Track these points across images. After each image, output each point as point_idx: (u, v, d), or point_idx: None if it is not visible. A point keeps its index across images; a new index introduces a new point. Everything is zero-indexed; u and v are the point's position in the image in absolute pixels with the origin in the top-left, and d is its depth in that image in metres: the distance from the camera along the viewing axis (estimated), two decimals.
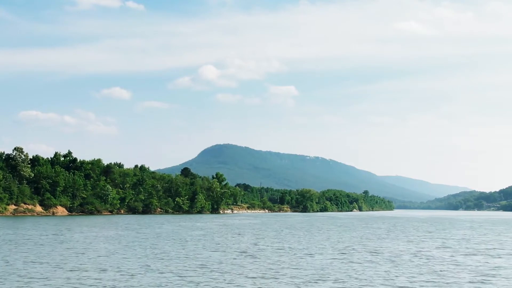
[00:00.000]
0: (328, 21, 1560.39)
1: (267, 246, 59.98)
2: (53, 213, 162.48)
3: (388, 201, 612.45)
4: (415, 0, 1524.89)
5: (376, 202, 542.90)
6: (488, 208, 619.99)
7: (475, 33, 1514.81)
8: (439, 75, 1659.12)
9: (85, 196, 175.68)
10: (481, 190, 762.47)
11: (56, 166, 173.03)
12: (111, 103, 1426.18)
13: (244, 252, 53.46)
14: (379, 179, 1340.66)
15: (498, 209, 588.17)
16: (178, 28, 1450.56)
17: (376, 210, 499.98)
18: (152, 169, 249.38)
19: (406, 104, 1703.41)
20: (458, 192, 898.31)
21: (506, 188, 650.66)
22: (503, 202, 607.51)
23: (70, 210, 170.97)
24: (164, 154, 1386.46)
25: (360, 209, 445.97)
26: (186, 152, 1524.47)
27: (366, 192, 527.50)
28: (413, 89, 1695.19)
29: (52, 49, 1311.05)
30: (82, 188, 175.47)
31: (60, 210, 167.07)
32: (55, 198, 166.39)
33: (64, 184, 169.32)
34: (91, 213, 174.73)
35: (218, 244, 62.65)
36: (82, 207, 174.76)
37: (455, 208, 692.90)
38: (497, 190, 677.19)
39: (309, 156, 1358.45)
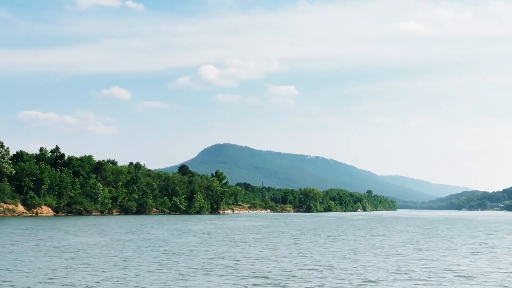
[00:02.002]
0: (328, 21, 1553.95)
1: (293, 265, 42.84)
2: (37, 214, 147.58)
3: (391, 201, 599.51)
4: (415, 0, 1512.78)
5: (380, 202, 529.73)
6: (492, 208, 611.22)
7: (475, 33, 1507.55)
8: (439, 75, 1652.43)
9: (73, 195, 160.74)
10: (482, 190, 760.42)
11: (41, 162, 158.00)
12: (111, 103, 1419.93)
13: (260, 276, 36.60)
14: (379, 178, 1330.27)
15: (502, 209, 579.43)
16: (177, 28, 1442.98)
17: (380, 210, 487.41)
18: (152, 169, 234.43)
19: (406, 104, 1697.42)
20: (460, 192, 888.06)
21: (510, 187, 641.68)
22: (507, 202, 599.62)
23: (56, 210, 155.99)
24: (164, 154, 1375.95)
25: (364, 209, 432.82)
26: (186, 151, 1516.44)
27: (369, 192, 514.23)
28: (413, 89, 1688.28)
29: (52, 49, 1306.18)
30: (70, 187, 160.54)
31: (45, 210, 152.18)
32: (39, 197, 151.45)
33: (49, 182, 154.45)
34: (79, 213, 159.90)
35: (222, 258, 46.32)
36: (69, 207, 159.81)
37: (458, 208, 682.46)
38: (500, 189, 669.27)
39: (309, 156, 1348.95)
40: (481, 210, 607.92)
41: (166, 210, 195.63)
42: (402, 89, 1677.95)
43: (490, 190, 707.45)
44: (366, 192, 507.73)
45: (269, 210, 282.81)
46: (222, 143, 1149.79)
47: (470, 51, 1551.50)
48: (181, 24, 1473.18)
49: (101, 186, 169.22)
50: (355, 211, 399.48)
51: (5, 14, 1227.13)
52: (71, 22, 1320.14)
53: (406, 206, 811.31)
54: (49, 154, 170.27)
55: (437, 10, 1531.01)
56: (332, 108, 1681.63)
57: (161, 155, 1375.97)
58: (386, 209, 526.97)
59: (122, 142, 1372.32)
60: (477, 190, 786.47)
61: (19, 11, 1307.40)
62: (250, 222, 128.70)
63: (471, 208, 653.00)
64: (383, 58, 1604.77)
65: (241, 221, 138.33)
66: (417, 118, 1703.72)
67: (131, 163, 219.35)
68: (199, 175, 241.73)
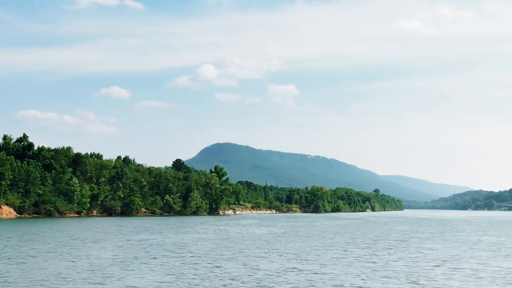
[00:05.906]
0: (327, 21, 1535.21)
1: None
2: None
3: (398, 201, 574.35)
4: None
5: (387, 202, 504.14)
6: (499, 208, 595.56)
7: (475, 33, 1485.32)
8: (439, 74, 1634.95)
9: (42, 192, 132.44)
10: (482, 190, 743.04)
11: (1, 153, 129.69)
12: (111, 103, 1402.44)
13: None
14: (380, 178, 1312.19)
15: (510, 209, 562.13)
16: (177, 28, 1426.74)
17: (388, 210, 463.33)
18: None
19: (406, 104, 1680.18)
20: (463, 192, 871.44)
21: None
22: None
23: (20, 211, 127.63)
24: (163, 153, 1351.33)
25: (373, 209, 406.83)
26: (186, 151, 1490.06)
27: (376, 191, 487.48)
28: (413, 89, 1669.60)
29: (51, 49, 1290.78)
30: (39, 182, 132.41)
31: (6, 210, 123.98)
32: None
33: (12, 177, 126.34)
34: (49, 215, 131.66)
35: None
36: (37, 207, 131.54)
37: (463, 208, 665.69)
38: (507, 189, 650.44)
39: (310, 155, 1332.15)
40: (488, 210, 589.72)
41: (157, 211, 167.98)
42: (402, 89, 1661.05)
43: (490, 190, 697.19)
44: (373, 192, 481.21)
45: (274, 211, 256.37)
46: (222, 142, 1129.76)
47: (470, 51, 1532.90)
48: (180, 23, 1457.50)
49: (77, 182, 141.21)
50: (364, 211, 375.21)
51: (4, 14, 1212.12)
52: (69, 21, 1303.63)
53: (409, 206, 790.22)
54: (16, 143, 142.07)
55: (436, 9, 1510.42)
56: (332, 108, 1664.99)
57: (161, 154, 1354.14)
58: (394, 209, 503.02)
59: (122, 141, 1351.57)
60: (481, 190, 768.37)
61: (17, 10, 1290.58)
62: (260, 228, 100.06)
63: (477, 208, 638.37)
64: (383, 58, 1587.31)
65: (247, 225, 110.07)
66: (417, 118, 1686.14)
67: (118, 157, 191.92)
68: (195, 170, 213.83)
